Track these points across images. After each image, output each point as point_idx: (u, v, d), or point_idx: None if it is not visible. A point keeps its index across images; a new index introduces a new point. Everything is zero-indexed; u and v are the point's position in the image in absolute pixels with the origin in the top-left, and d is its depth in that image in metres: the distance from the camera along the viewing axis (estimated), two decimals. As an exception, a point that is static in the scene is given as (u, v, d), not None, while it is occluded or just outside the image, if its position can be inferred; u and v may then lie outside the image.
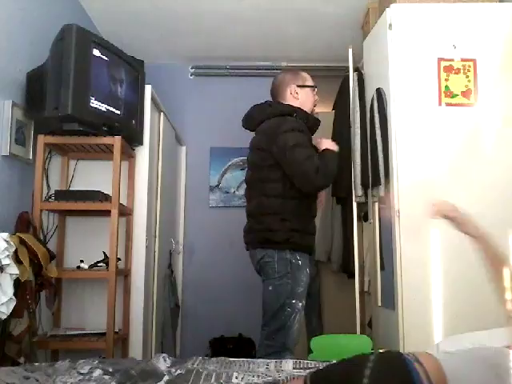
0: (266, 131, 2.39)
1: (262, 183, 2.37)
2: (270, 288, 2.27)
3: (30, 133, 2.46)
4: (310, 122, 2.43)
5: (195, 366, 1.77)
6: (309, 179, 2.25)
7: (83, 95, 2.28)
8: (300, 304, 2.25)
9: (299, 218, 2.31)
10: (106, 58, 2.47)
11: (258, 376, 1.66)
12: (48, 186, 2.61)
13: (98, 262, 2.54)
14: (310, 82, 2.54)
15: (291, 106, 2.45)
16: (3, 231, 1.91)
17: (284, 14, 3.34)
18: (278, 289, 2.24)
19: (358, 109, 2.75)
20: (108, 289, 2.41)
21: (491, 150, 2.37)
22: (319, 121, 2.53)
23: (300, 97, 2.48)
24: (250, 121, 2.54)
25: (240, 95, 3.89)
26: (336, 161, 2.39)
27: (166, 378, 1.66)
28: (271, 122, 2.39)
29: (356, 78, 2.83)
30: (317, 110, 2.61)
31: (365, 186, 2.69)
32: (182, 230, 4.05)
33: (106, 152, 2.63)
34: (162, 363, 1.81)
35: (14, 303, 1.87)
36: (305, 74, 2.55)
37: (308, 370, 1.73)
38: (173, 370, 1.75)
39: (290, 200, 2.30)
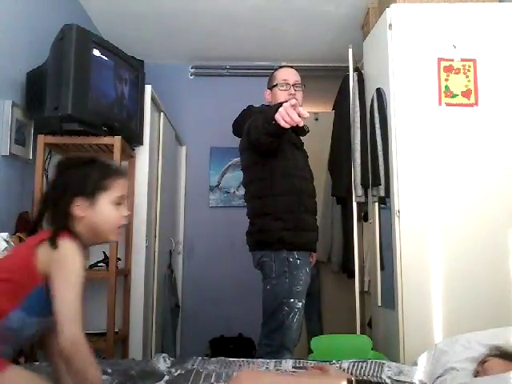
0: (245, 132, 2.38)
1: (251, 184, 2.37)
2: (268, 287, 2.26)
3: (29, 133, 2.46)
4: None
5: (195, 366, 1.77)
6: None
7: (83, 95, 2.28)
8: (300, 303, 2.24)
9: (290, 214, 2.28)
10: (105, 58, 2.47)
11: (258, 376, 1.66)
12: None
13: (98, 262, 2.54)
14: (276, 80, 2.45)
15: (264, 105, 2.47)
16: (3, 231, 1.91)
17: (284, 14, 3.34)
18: (276, 288, 2.23)
19: (357, 109, 2.75)
20: (108, 289, 2.41)
21: (491, 150, 2.37)
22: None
23: (271, 98, 2.46)
24: (236, 127, 2.57)
25: (240, 95, 3.88)
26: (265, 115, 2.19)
27: (166, 378, 1.67)
28: (249, 121, 2.38)
29: (356, 78, 2.83)
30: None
31: (365, 186, 2.68)
32: (182, 230, 4.05)
33: (105, 152, 2.63)
34: (162, 363, 1.81)
35: (14, 303, 1.86)
36: (275, 73, 2.48)
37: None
38: (173, 370, 1.75)
39: (280, 197, 2.29)
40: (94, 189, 1.37)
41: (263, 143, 2.15)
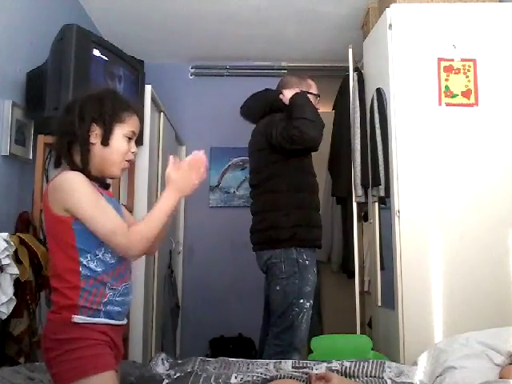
0: (261, 131, 2.42)
1: (268, 181, 2.39)
2: (278, 288, 2.27)
3: (30, 133, 2.46)
4: None
5: (195, 368, 1.77)
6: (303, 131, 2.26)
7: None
8: (308, 303, 2.26)
9: (302, 211, 2.32)
10: (105, 58, 2.47)
11: (258, 376, 1.66)
12: (48, 185, 2.61)
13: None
14: (314, 90, 2.55)
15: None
16: (3, 231, 1.90)
17: (284, 14, 3.34)
18: (286, 289, 2.25)
19: (357, 109, 2.75)
20: (108, 289, 2.41)
21: (491, 150, 2.37)
22: None
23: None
24: (248, 112, 2.59)
25: (240, 95, 3.87)
26: (306, 100, 2.40)
27: (166, 382, 1.67)
28: (265, 120, 2.42)
29: (356, 78, 2.82)
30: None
31: (365, 186, 2.68)
32: (182, 230, 4.05)
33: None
34: (161, 366, 1.81)
35: (14, 303, 1.87)
36: (311, 82, 2.57)
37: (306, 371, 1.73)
38: (172, 372, 1.75)
39: (293, 193, 2.32)
40: (111, 117, 1.38)
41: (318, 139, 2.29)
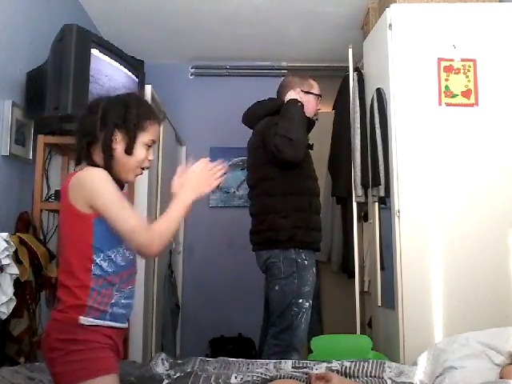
0: (259, 131, 2.42)
1: (262, 182, 2.38)
2: (277, 288, 2.27)
3: (30, 133, 2.46)
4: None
5: (194, 368, 1.77)
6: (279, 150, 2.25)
7: (83, 95, 2.28)
8: (307, 303, 2.26)
9: (301, 214, 2.32)
10: (105, 58, 2.47)
11: (258, 376, 1.66)
12: (48, 186, 2.61)
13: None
14: (315, 91, 2.54)
15: None
16: (3, 231, 1.90)
17: (284, 14, 3.34)
18: (285, 288, 2.25)
19: (357, 109, 2.75)
20: (108, 289, 2.40)
21: (491, 150, 2.37)
22: (313, 125, 2.53)
23: (302, 102, 2.48)
24: (250, 117, 2.57)
25: (240, 95, 3.88)
26: (299, 110, 2.37)
27: (166, 382, 1.67)
28: (264, 121, 2.42)
29: (356, 78, 2.83)
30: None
31: (365, 186, 2.68)
32: (181, 230, 4.04)
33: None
34: (161, 366, 1.81)
35: (14, 303, 1.87)
36: (312, 82, 2.57)
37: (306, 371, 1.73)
38: (172, 372, 1.75)
39: (291, 196, 2.31)
40: (135, 125, 1.39)
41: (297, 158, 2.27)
